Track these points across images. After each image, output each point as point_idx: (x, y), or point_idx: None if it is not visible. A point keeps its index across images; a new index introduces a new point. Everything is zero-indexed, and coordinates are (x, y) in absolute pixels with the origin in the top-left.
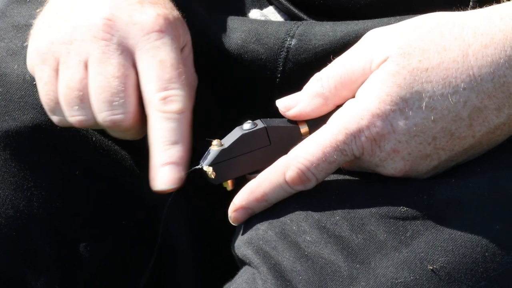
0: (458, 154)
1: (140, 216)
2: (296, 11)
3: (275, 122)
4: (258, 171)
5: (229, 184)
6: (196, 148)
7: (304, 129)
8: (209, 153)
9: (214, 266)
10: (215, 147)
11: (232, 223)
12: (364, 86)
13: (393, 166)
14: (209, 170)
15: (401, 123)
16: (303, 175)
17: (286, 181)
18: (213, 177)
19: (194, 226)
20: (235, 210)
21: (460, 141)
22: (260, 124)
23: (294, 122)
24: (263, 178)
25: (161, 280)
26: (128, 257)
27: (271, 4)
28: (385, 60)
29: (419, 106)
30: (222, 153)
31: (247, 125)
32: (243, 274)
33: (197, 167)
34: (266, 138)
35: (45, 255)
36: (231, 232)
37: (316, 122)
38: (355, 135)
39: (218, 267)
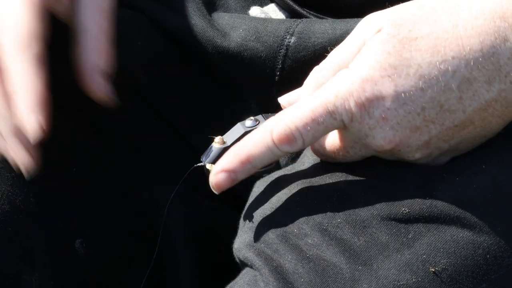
0: (449, 131)
1: (139, 215)
2: (298, 8)
3: None
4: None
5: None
6: (195, 146)
7: None
8: (211, 150)
9: (214, 267)
10: (217, 144)
11: (213, 190)
12: (357, 56)
13: (382, 136)
14: (211, 168)
15: (390, 89)
16: (290, 134)
17: (272, 140)
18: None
19: (194, 226)
20: (217, 173)
21: (450, 115)
22: (262, 120)
23: None
24: (248, 139)
25: (160, 281)
26: (126, 257)
27: (272, 1)
28: (377, 32)
29: (407, 73)
30: (225, 151)
31: (249, 122)
32: (245, 276)
33: (199, 164)
34: None
35: (41, 252)
36: (232, 233)
37: None
38: (344, 99)
39: (218, 268)
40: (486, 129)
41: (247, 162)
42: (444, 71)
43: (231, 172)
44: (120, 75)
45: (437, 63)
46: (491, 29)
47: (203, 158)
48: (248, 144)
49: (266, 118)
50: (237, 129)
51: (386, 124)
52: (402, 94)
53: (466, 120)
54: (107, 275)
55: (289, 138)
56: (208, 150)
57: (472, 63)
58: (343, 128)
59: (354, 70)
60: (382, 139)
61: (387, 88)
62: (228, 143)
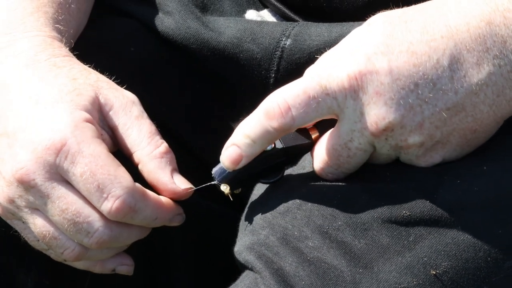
0: (442, 115)
1: None
2: (291, 14)
3: (291, 138)
4: None
5: (238, 189)
6: (193, 148)
7: (315, 135)
8: (224, 169)
9: (210, 269)
10: None
11: (224, 165)
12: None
13: (376, 112)
14: (226, 190)
15: (383, 63)
16: (277, 107)
17: (262, 115)
18: (230, 197)
19: (191, 228)
20: (226, 148)
21: (443, 95)
22: (278, 144)
23: (306, 131)
24: (248, 117)
25: (156, 282)
26: None
27: (265, 7)
28: (368, 26)
29: (400, 50)
30: (240, 172)
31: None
32: (245, 279)
33: (213, 183)
34: (283, 156)
35: (36, 251)
36: (230, 235)
37: (324, 126)
38: (337, 74)
39: (215, 271)
40: (478, 121)
41: (246, 136)
42: (434, 48)
43: (235, 145)
44: (114, 81)
45: (428, 41)
46: (476, 11)
47: (215, 173)
48: (248, 118)
49: (282, 142)
50: None
51: (380, 100)
52: (396, 69)
53: (458, 104)
54: (102, 275)
55: (276, 111)
56: (220, 167)
57: (460, 43)
58: (339, 114)
59: (346, 50)
60: (376, 115)
61: (380, 62)
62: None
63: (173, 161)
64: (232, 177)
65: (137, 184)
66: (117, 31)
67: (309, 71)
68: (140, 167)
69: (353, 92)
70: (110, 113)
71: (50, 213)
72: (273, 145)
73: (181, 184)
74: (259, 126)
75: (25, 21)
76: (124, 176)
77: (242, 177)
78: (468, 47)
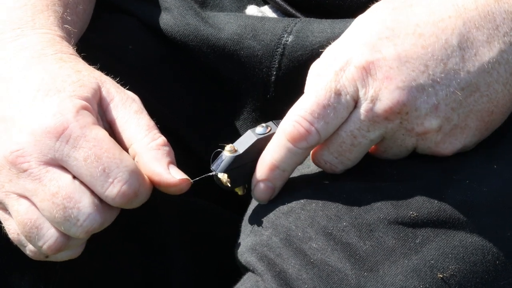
0: (457, 96)
1: (132, 216)
2: (292, 10)
3: None
4: None
5: (241, 189)
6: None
7: None
8: (221, 159)
9: (209, 271)
10: (228, 152)
11: (259, 202)
12: (347, 30)
13: (388, 97)
14: (224, 177)
15: (390, 49)
16: (300, 127)
17: (287, 140)
18: (228, 184)
19: (190, 229)
20: (255, 186)
21: (454, 74)
22: (273, 127)
23: None
24: (269, 145)
25: (152, 284)
26: (118, 257)
27: (267, 3)
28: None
29: (406, 33)
30: (237, 159)
31: (260, 129)
32: (246, 282)
33: (210, 174)
34: None
35: None
36: (230, 236)
37: None
38: (343, 69)
39: (214, 273)
40: (493, 101)
41: (274, 167)
42: (443, 28)
43: (265, 181)
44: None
45: (435, 22)
46: None
47: (213, 167)
48: (270, 150)
49: (277, 124)
50: (248, 137)
51: (391, 84)
52: (403, 53)
53: (471, 83)
54: (98, 276)
55: (301, 133)
56: (218, 159)
57: (469, 22)
58: (351, 101)
59: (347, 40)
60: (390, 99)
61: (386, 47)
62: (240, 151)
63: (171, 154)
64: (228, 165)
65: (137, 166)
66: (115, 29)
67: (314, 70)
68: (136, 159)
69: (363, 81)
70: (110, 105)
71: (39, 198)
72: (268, 129)
73: (177, 175)
74: (287, 152)
75: (35, 18)
76: (129, 160)
77: (239, 164)
78: (477, 25)
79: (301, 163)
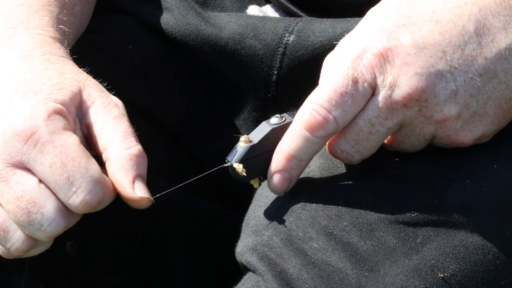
0: (475, 82)
1: (131, 215)
2: (294, 9)
3: None
4: None
5: (256, 181)
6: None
7: None
8: (237, 149)
9: (210, 271)
10: (243, 143)
11: (275, 193)
12: (363, 20)
13: (407, 83)
14: (239, 167)
15: (407, 36)
16: (317, 115)
17: (305, 129)
18: (244, 174)
19: (191, 229)
20: (271, 176)
21: (472, 61)
22: (288, 118)
23: None
24: (286, 135)
25: (153, 284)
26: (118, 257)
27: (268, 2)
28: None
29: (423, 20)
30: (252, 149)
31: (274, 119)
32: (247, 282)
33: (225, 165)
34: None
35: None
36: (231, 236)
37: None
38: (361, 56)
39: (215, 273)
40: (511, 88)
41: (292, 157)
42: (459, 15)
43: (282, 171)
44: (113, 80)
45: (451, 8)
46: None
47: (228, 158)
48: (286, 139)
49: (291, 115)
50: (263, 127)
51: (410, 70)
52: (421, 39)
53: (489, 69)
54: (98, 277)
55: (319, 121)
56: (233, 150)
57: (485, 8)
58: (369, 89)
59: (363, 29)
60: (409, 86)
61: (403, 34)
62: (255, 141)
63: (142, 166)
64: (243, 155)
65: (103, 175)
66: (115, 29)
67: (330, 60)
68: (106, 165)
69: (381, 68)
70: (90, 109)
71: (5, 200)
72: (283, 119)
73: (139, 191)
74: (304, 141)
75: (29, 18)
76: (95, 169)
77: (254, 155)
78: (493, 12)
79: (317, 152)
